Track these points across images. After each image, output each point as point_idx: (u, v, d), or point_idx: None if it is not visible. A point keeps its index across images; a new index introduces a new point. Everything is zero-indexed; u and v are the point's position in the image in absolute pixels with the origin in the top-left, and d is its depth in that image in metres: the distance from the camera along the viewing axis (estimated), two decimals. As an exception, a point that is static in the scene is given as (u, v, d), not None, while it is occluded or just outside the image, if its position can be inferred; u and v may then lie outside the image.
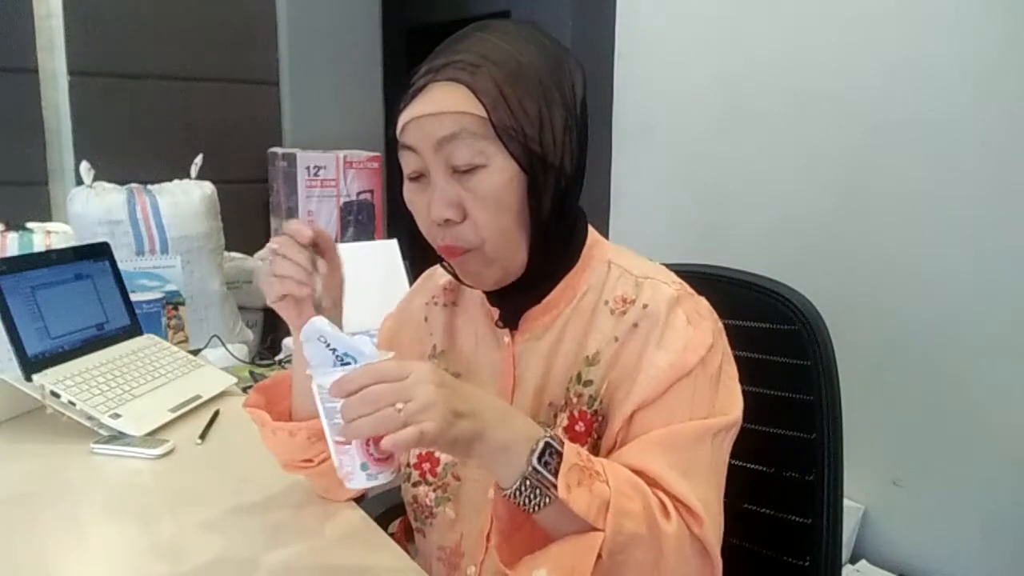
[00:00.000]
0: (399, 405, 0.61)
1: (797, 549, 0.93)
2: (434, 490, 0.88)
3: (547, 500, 0.66)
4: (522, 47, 0.75)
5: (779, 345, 0.94)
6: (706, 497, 0.73)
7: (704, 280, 0.89)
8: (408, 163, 0.78)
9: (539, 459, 0.66)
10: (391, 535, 0.92)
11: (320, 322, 0.66)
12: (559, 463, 0.67)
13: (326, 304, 0.80)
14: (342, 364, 0.66)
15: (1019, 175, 1.40)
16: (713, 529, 0.72)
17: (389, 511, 1.06)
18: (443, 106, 0.73)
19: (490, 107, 0.72)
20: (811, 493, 0.91)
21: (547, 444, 0.67)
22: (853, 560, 1.66)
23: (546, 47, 0.77)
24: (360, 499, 1.01)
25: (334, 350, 0.66)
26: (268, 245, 0.82)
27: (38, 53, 2.28)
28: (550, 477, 0.66)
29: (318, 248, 0.80)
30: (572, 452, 0.68)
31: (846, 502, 0.92)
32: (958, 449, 1.52)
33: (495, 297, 0.84)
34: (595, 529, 0.67)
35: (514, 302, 0.83)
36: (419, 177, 0.78)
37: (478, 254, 0.77)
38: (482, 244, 0.76)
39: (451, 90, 0.73)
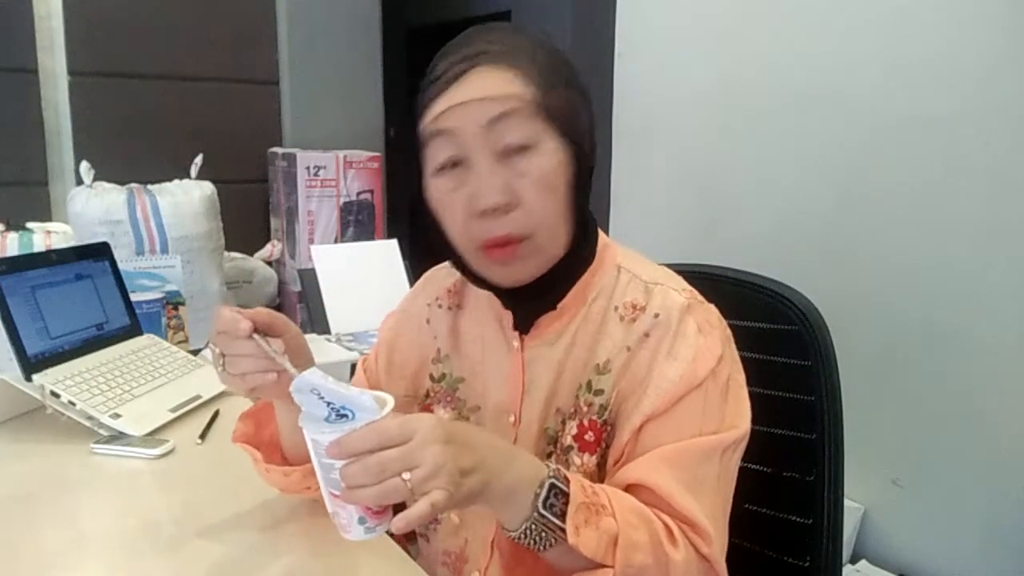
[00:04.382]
0: (406, 475, 0.58)
1: (797, 549, 0.93)
2: None
3: (553, 541, 0.66)
4: (549, 41, 0.77)
5: (780, 345, 0.93)
6: (713, 513, 0.72)
7: (704, 280, 0.89)
8: (442, 150, 0.74)
9: (544, 503, 0.65)
10: (391, 535, 0.92)
11: (312, 376, 0.61)
12: (565, 504, 0.66)
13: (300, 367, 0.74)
14: (338, 416, 0.61)
15: (1020, 175, 1.40)
16: (720, 546, 0.72)
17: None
18: (492, 90, 0.72)
19: (542, 90, 0.72)
20: (811, 493, 0.91)
21: (552, 486, 0.66)
22: (853, 560, 1.66)
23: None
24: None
25: (329, 403, 0.61)
26: (210, 341, 0.75)
27: (38, 53, 2.28)
28: (557, 522, 0.65)
29: (269, 329, 0.74)
30: (578, 489, 0.67)
31: (846, 502, 0.92)
32: (958, 449, 1.52)
33: (510, 300, 0.81)
34: (603, 565, 0.66)
35: (530, 306, 0.81)
36: (454, 165, 0.74)
37: (528, 245, 0.74)
38: (532, 234, 0.73)
39: (499, 73, 0.72)
